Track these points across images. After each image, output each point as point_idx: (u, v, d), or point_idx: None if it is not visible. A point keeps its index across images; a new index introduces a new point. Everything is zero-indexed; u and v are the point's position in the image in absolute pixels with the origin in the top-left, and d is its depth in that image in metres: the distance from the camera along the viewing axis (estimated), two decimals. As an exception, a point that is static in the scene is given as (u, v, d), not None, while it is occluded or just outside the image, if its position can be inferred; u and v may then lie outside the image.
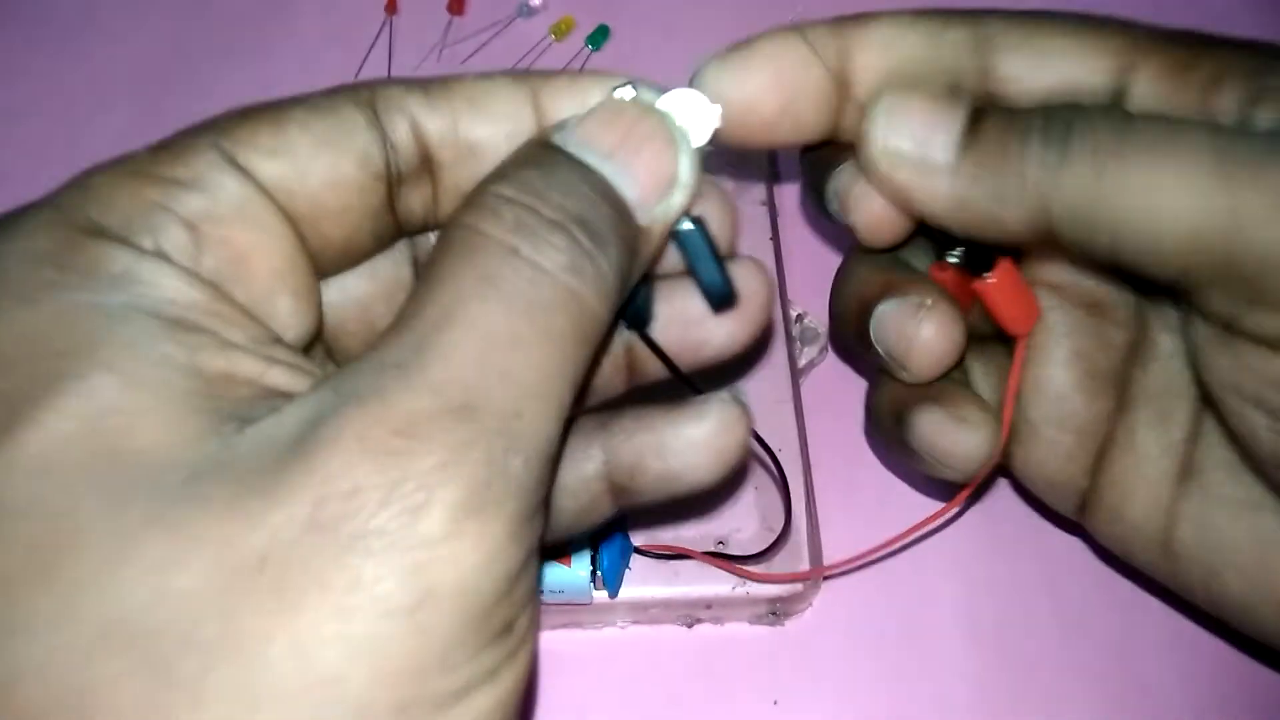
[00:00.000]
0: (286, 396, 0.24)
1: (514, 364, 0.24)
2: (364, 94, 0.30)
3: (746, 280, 0.34)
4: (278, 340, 0.27)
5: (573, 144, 0.28)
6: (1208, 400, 0.35)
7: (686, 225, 0.31)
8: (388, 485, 0.22)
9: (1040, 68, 0.33)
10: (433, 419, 0.23)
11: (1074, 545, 0.46)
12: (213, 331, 0.25)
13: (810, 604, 0.45)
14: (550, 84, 0.31)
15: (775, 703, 0.43)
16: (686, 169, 0.30)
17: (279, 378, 0.25)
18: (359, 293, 0.33)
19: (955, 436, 0.37)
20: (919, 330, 0.36)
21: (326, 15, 0.62)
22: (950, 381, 0.38)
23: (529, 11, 0.62)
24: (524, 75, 0.31)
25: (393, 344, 0.24)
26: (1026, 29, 0.33)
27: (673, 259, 0.33)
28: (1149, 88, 0.33)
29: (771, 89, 0.34)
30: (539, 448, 0.25)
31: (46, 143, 0.58)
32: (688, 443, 0.32)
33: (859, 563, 0.41)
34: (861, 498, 0.47)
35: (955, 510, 0.41)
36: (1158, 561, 0.37)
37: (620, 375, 0.35)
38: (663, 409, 0.33)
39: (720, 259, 0.32)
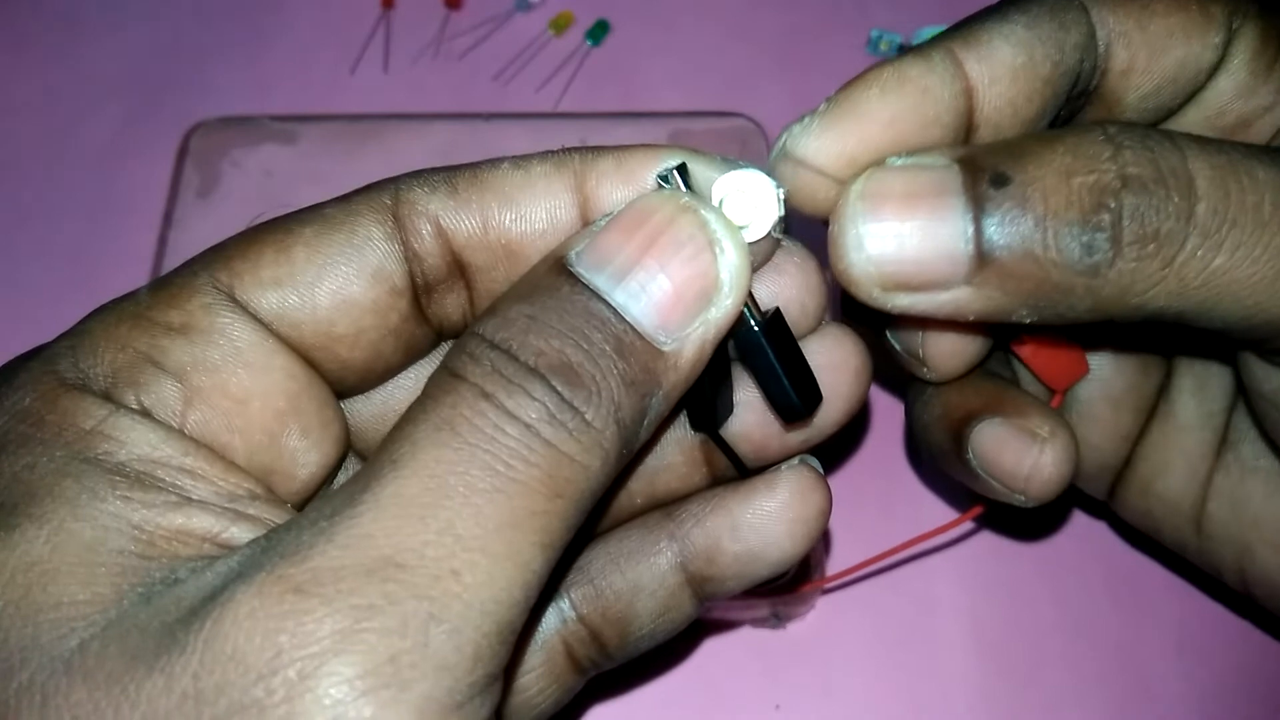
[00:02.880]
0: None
1: (460, 516, 0.21)
2: (385, 199, 0.27)
3: (830, 353, 0.30)
4: (257, 496, 0.25)
5: (585, 264, 0.25)
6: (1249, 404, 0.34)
7: (752, 324, 0.27)
8: (272, 651, 0.20)
9: (1157, 54, 0.29)
10: (341, 576, 0.20)
11: (1078, 549, 0.46)
12: (175, 487, 0.23)
13: (813, 607, 0.45)
14: (594, 167, 0.28)
15: (777, 707, 0.43)
16: (731, 274, 0.25)
17: (239, 533, 0.23)
18: (400, 405, 0.30)
19: (1024, 454, 0.32)
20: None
21: (322, 10, 0.62)
22: (1015, 388, 0.34)
23: (527, 6, 0.61)
24: (565, 157, 0.28)
25: (340, 490, 0.22)
26: (1135, 12, 0.29)
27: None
28: (1246, 56, 0.30)
29: (882, 136, 0.28)
30: (481, 614, 0.21)
31: (43, 138, 0.57)
32: (764, 517, 0.30)
33: (857, 574, 0.41)
34: (866, 499, 0.47)
35: (960, 530, 0.40)
36: (1188, 538, 0.36)
37: (699, 470, 0.32)
38: (732, 486, 0.30)
39: (794, 358, 0.28)
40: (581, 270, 0.25)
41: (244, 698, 0.19)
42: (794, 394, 0.28)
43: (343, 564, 0.20)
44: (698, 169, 0.27)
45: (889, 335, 0.33)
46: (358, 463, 0.31)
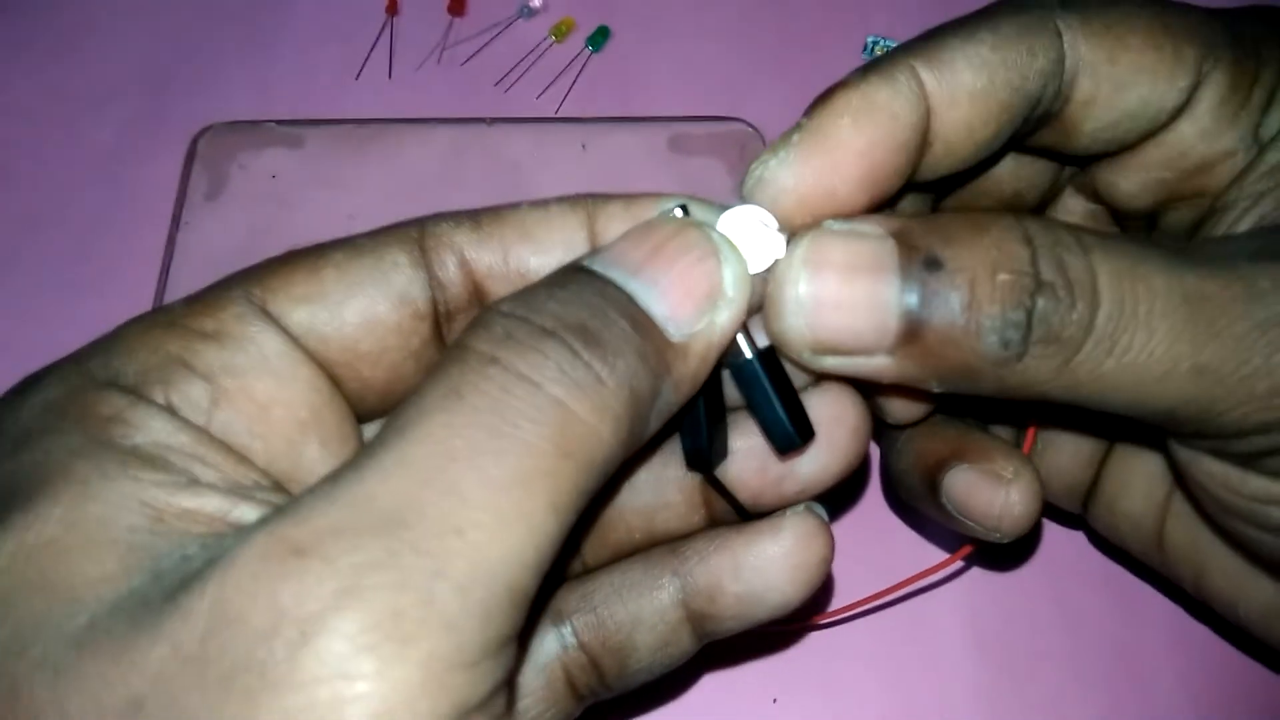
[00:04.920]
0: None
1: (464, 476, 0.21)
2: (413, 231, 0.29)
3: (830, 407, 0.31)
4: (265, 487, 0.25)
5: (599, 263, 0.26)
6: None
7: (746, 355, 0.29)
8: (274, 611, 0.19)
9: (1121, 90, 0.30)
10: (341, 535, 0.20)
11: (1077, 548, 0.46)
12: (186, 471, 0.24)
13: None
14: (605, 208, 0.30)
15: (774, 700, 0.43)
16: (732, 282, 0.27)
17: (248, 512, 0.23)
18: None
19: (993, 496, 0.33)
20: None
21: (326, 16, 0.62)
22: (977, 431, 0.35)
23: (529, 13, 0.62)
24: (580, 199, 0.30)
25: (345, 464, 0.22)
26: (1109, 44, 0.30)
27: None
28: (1212, 103, 0.30)
29: (857, 166, 0.29)
30: (488, 573, 0.21)
31: (50, 142, 0.58)
32: (766, 560, 0.30)
33: (854, 611, 0.41)
34: (867, 513, 0.48)
35: (958, 564, 0.42)
36: (1151, 553, 0.38)
37: (697, 512, 0.33)
38: (738, 528, 0.31)
39: (788, 393, 0.29)
40: (597, 268, 0.26)
41: (248, 658, 0.19)
42: (788, 421, 0.29)
43: (342, 523, 0.20)
44: (698, 211, 0.29)
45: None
46: None
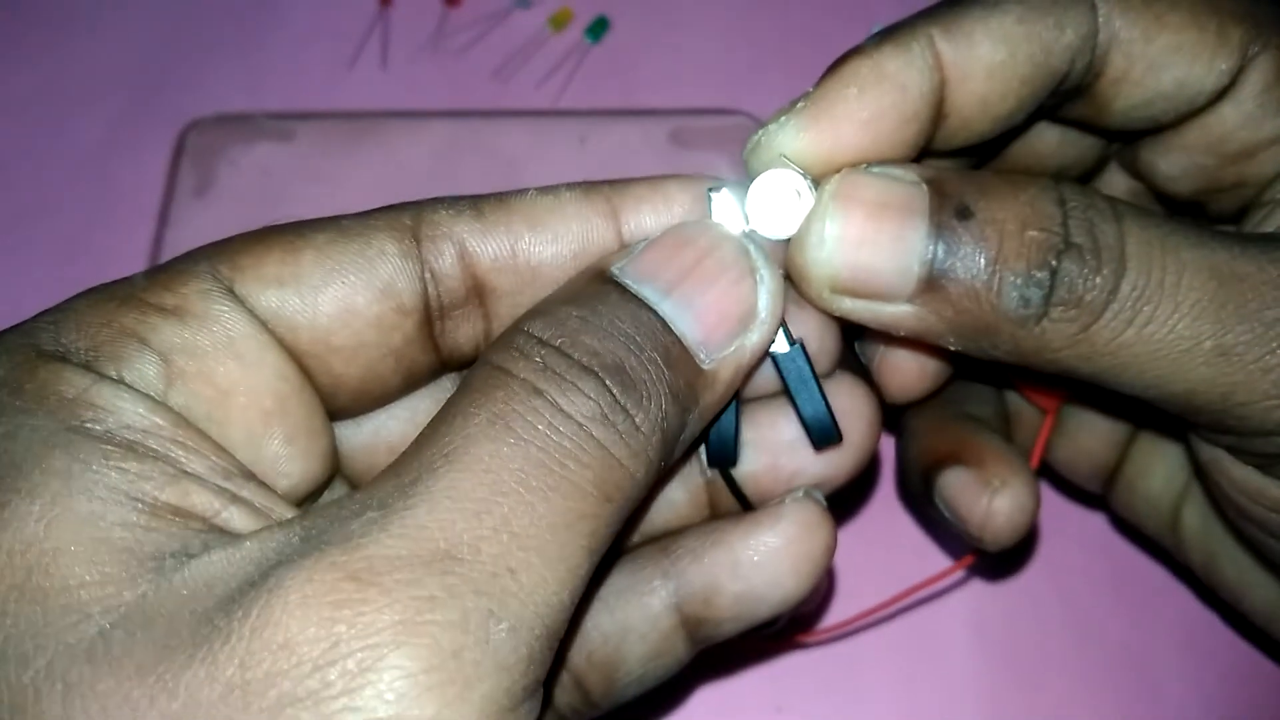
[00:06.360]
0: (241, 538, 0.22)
1: (516, 514, 0.21)
2: (405, 217, 0.27)
3: (847, 401, 0.30)
4: (251, 476, 0.24)
5: (630, 276, 0.25)
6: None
7: (783, 347, 0.28)
8: (328, 641, 0.19)
9: (1155, 71, 0.29)
10: (399, 566, 0.20)
11: (1084, 551, 0.46)
12: (169, 459, 0.22)
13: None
14: (628, 192, 0.28)
15: (779, 709, 0.43)
16: (768, 303, 0.26)
17: (237, 520, 0.22)
18: (393, 436, 0.29)
19: (981, 502, 0.32)
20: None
21: (319, 6, 0.61)
22: (983, 433, 0.35)
23: (526, 3, 0.61)
24: (596, 186, 0.28)
25: (383, 482, 0.22)
26: (1145, 21, 0.28)
27: (761, 382, 0.30)
28: (1257, 88, 0.29)
29: (860, 137, 0.28)
30: (535, 616, 0.21)
31: (36, 136, 0.57)
32: (767, 553, 0.29)
33: (855, 625, 0.41)
34: (873, 515, 0.47)
35: (960, 574, 0.42)
36: (1165, 536, 0.38)
37: (700, 513, 0.32)
38: (732, 520, 0.30)
39: (822, 387, 0.29)
40: (628, 281, 0.25)
41: (298, 689, 0.19)
42: (829, 409, 0.29)
43: (399, 554, 0.20)
44: (735, 198, 0.28)
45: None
46: (346, 487, 0.30)
